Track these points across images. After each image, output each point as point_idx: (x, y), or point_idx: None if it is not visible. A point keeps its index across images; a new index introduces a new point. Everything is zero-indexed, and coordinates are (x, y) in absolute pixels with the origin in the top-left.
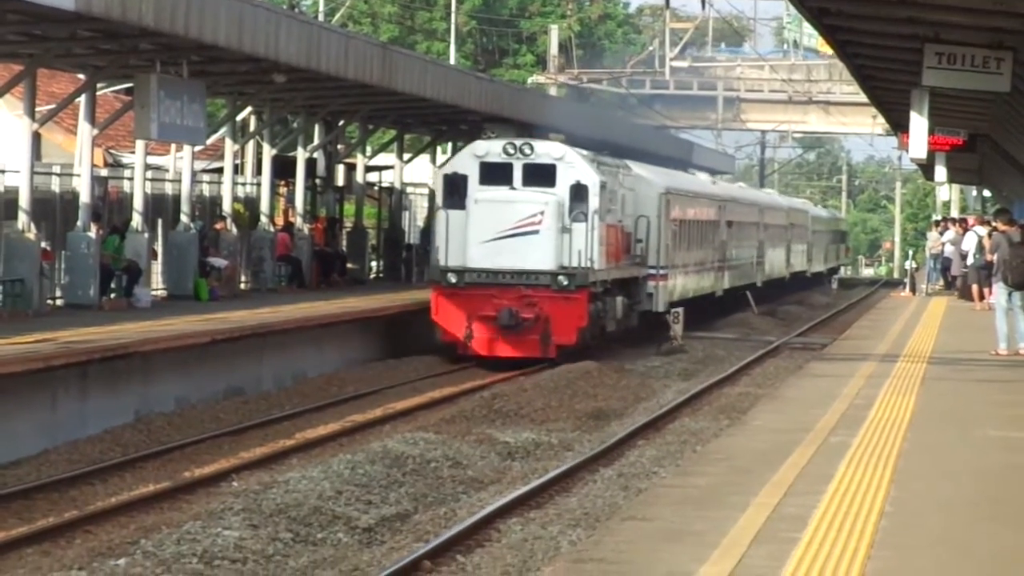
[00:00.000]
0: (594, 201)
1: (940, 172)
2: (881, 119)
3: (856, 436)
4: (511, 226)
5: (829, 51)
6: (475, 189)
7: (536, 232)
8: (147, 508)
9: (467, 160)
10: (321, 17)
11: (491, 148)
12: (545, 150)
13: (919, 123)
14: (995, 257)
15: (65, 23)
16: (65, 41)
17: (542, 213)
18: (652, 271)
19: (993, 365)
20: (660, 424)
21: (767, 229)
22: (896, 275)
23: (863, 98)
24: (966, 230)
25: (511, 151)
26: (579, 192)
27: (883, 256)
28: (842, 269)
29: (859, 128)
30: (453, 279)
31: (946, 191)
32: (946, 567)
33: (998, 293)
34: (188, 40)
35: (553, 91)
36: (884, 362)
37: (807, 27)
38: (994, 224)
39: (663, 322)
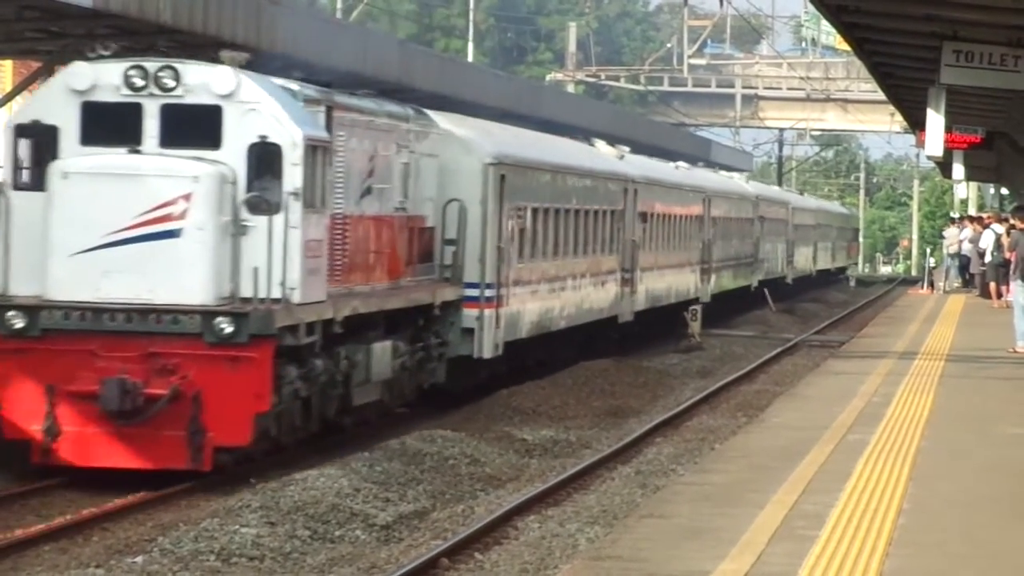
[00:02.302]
0: (295, 174)
1: (958, 170)
2: (899, 117)
3: (874, 434)
4: (129, 223)
5: (847, 49)
6: (69, 153)
7: (176, 234)
8: (165, 505)
9: (58, 99)
10: (339, 15)
11: (102, 76)
12: (202, 80)
13: (936, 121)
14: (1014, 255)
15: (82, 20)
16: (83, 38)
17: (187, 198)
18: (473, 292)
19: (1011, 363)
20: (678, 421)
21: (715, 224)
22: (914, 272)
23: (881, 96)
24: (984, 228)
25: (139, 82)
26: (265, 158)
27: (900, 254)
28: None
29: (877, 126)
30: (18, 323)
31: (963, 189)
32: (964, 565)
33: (1016, 291)
34: (206, 38)
35: (571, 88)
36: (902, 360)
37: (825, 25)
38: (1012, 222)
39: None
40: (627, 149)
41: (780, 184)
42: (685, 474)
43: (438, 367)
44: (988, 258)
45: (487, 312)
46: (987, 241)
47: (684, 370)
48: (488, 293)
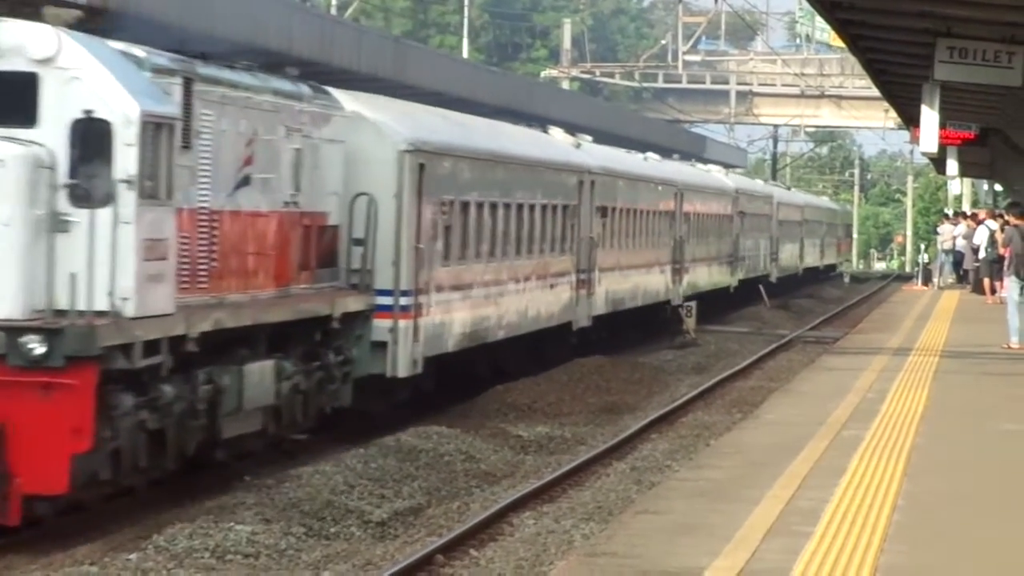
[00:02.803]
0: (128, 158)
1: (952, 166)
2: (893, 113)
3: (869, 430)
4: None
5: (841, 45)
6: None
7: None
8: (159, 502)
9: None
10: (333, 11)
11: None
12: (15, 42)
13: (930, 117)
14: (1008, 251)
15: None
16: None
17: None
18: (386, 300)
19: (1006, 359)
20: (673, 418)
21: (688, 220)
22: (908, 268)
23: (875, 92)
24: (978, 224)
25: None
26: (91, 138)
27: (895, 250)
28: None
29: (871, 122)
30: None
31: (958, 185)
32: (959, 561)
33: (1010, 287)
34: (200, 34)
35: (566, 85)
36: (897, 356)
37: (819, 21)
38: (1006, 218)
39: (676, 317)
40: (589, 138)
41: (775, 179)
42: (680, 470)
43: (342, 388)
44: (982, 254)
45: (402, 323)
46: (981, 237)
47: (679, 366)
48: (403, 301)
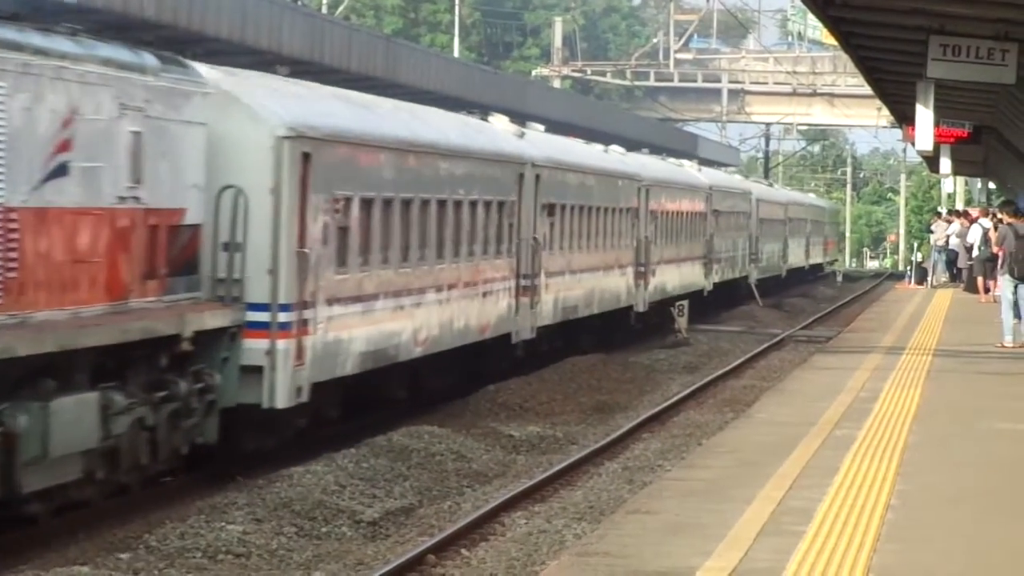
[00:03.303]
0: None
1: (945, 164)
2: (886, 111)
3: (862, 429)
4: None
5: (834, 43)
6: None
7: None
8: (150, 502)
9: None
10: (324, 10)
11: None
12: None
13: (924, 115)
14: (1001, 249)
15: (65, 15)
16: None
17: None
18: (260, 316)
19: (999, 358)
20: (665, 417)
21: (655, 218)
22: (901, 267)
23: (868, 90)
24: (971, 222)
25: None
26: None
27: (888, 248)
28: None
29: (864, 120)
30: None
31: (951, 183)
32: (952, 561)
33: (1004, 285)
34: (190, 33)
35: (557, 84)
36: (889, 355)
37: (812, 19)
38: (999, 216)
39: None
40: (541, 127)
41: (767, 178)
42: (672, 470)
43: (205, 423)
44: (976, 253)
45: (281, 344)
46: (974, 236)
47: (671, 366)
48: (283, 317)
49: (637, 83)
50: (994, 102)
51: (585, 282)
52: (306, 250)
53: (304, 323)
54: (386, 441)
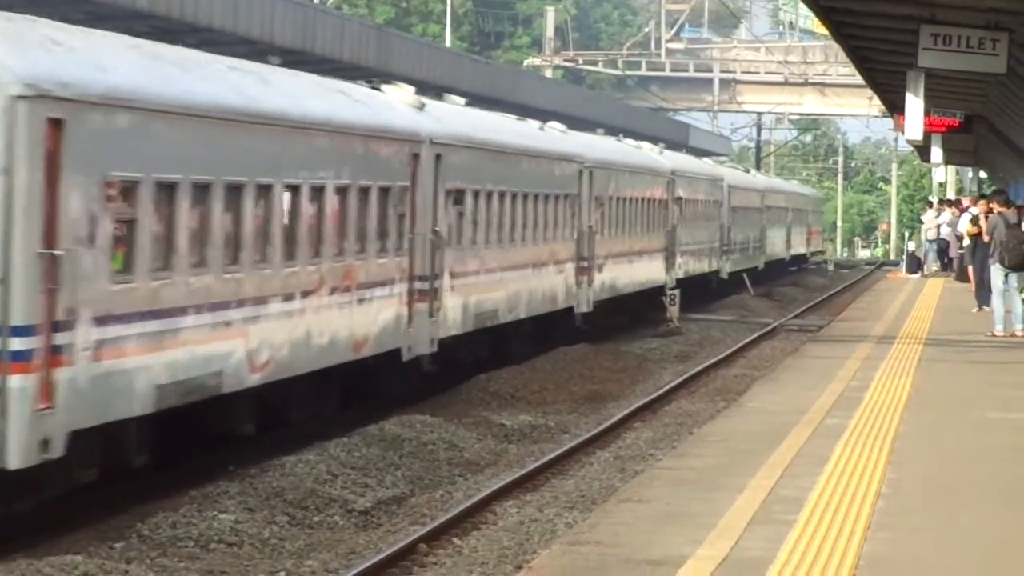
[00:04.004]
0: None
1: (936, 153)
2: (877, 100)
3: (852, 418)
4: None
5: (825, 32)
6: None
7: None
8: (142, 492)
9: None
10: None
11: None
12: None
13: (915, 104)
14: (992, 239)
15: (57, 5)
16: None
17: None
18: None
19: (990, 346)
20: (657, 406)
21: (601, 206)
22: (892, 256)
23: (859, 80)
24: (962, 212)
25: None
26: None
27: (879, 238)
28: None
29: (855, 109)
30: None
31: (942, 172)
32: (943, 549)
33: (995, 275)
34: (182, 23)
35: (549, 73)
36: (880, 344)
37: (803, 8)
38: (990, 205)
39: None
40: (462, 101)
41: (759, 168)
42: (663, 459)
43: None
44: (967, 242)
45: (16, 381)
46: (965, 225)
47: (663, 355)
48: (20, 344)
49: (629, 72)
50: (985, 91)
51: (508, 283)
52: (61, 252)
53: (57, 351)
54: (378, 430)
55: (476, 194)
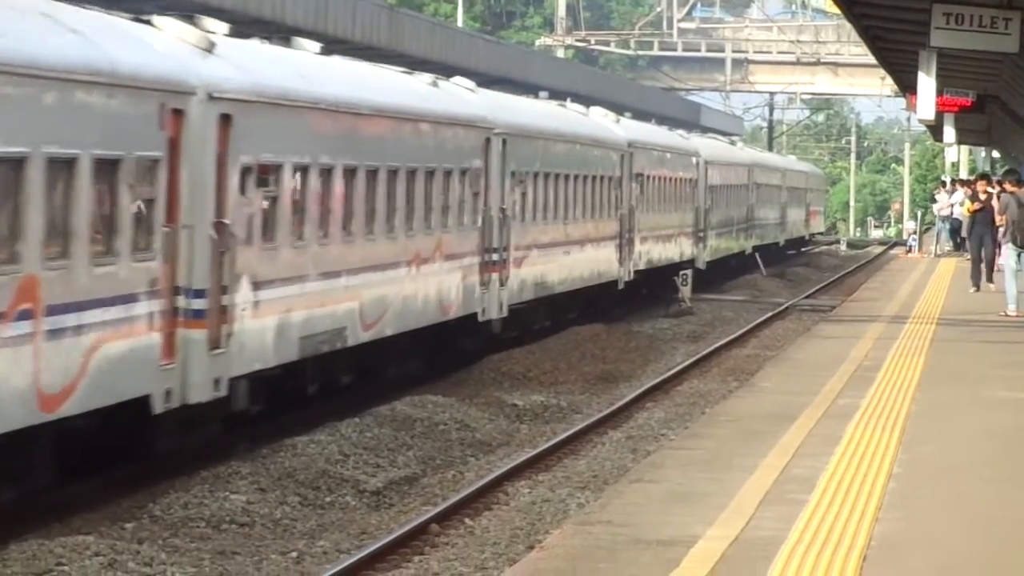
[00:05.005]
0: None
1: (949, 133)
2: (890, 80)
3: (864, 398)
4: None
5: (837, 12)
6: None
7: None
8: (155, 472)
9: None
10: None
11: None
12: None
13: (927, 84)
14: (1004, 218)
15: None
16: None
17: None
18: None
19: (1002, 327)
20: (668, 386)
21: (521, 183)
22: (905, 236)
23: (871, 59)
24: (974, 192)
25: None
26: None
27: (892, 217)
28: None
29: (868, 89)
30: None
31: (955, 152)
32: (954, 529)
33: (1008, 254)
34: (193, 2)
35: (560, 53)
36: (893, 324)
37: None
38: (1003, 185)
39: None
40: (379, 69)
41: (771, 148)
42: (675, 439)
43: None
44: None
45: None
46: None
47: (675, 335)
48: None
49: (640, 52)
50: (997, 71)
51: (387, 284)
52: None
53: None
54: (390, 410)
55: (352, 172)
